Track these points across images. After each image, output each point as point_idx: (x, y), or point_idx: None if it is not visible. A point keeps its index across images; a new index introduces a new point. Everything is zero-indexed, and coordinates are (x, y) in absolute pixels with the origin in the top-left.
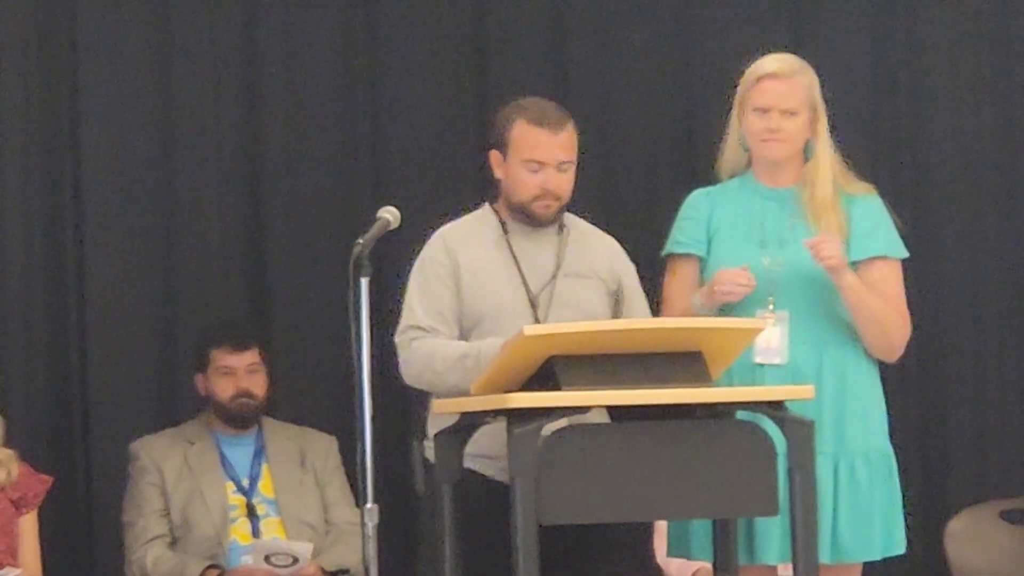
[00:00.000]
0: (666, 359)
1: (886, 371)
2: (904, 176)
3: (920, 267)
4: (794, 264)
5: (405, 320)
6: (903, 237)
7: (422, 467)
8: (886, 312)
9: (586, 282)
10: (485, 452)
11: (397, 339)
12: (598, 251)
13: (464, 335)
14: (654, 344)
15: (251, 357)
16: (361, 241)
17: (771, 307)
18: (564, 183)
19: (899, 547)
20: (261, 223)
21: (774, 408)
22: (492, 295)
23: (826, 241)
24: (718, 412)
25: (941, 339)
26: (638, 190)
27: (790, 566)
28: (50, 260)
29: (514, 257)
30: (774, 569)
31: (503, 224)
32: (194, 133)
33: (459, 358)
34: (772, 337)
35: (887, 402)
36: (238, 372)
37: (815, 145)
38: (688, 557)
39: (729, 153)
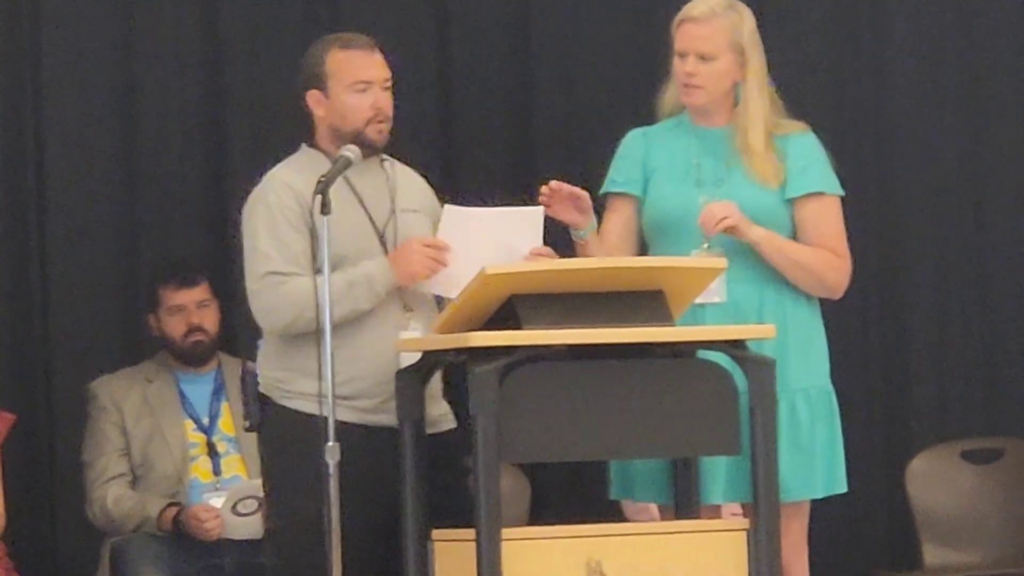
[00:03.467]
0: (628, 298)
1: (847, 312)
2: (866, 135)
3: (881, 210)
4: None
5: (261, 266)
6: (863, 183)
7: (257, 402)
8: (812, 257)
9: (419, 216)
10: (338, 393)
11: (254, 286)
12: (419, 186)
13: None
14: (616, 283)
15: (201, 293)
16: (323, 179)
17: (706, 246)
18: (390, 102)
19: (840, 486)
20: (223, 163)
21: (735, 347)
22: (348, 236)
23: (711, 212)
24: (679, 351)
25: (902, 278)
26: (600, 131)
27: (733, 506)
28: (10, 200)
29: (356, 195)
30: (719, 509)
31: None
32: (156, 73)
33: (347, 288)
34: None
35: (849, 341)
36: (188, 308)
37: (743, 89)
38: (632, 499)
39: (670, 93)
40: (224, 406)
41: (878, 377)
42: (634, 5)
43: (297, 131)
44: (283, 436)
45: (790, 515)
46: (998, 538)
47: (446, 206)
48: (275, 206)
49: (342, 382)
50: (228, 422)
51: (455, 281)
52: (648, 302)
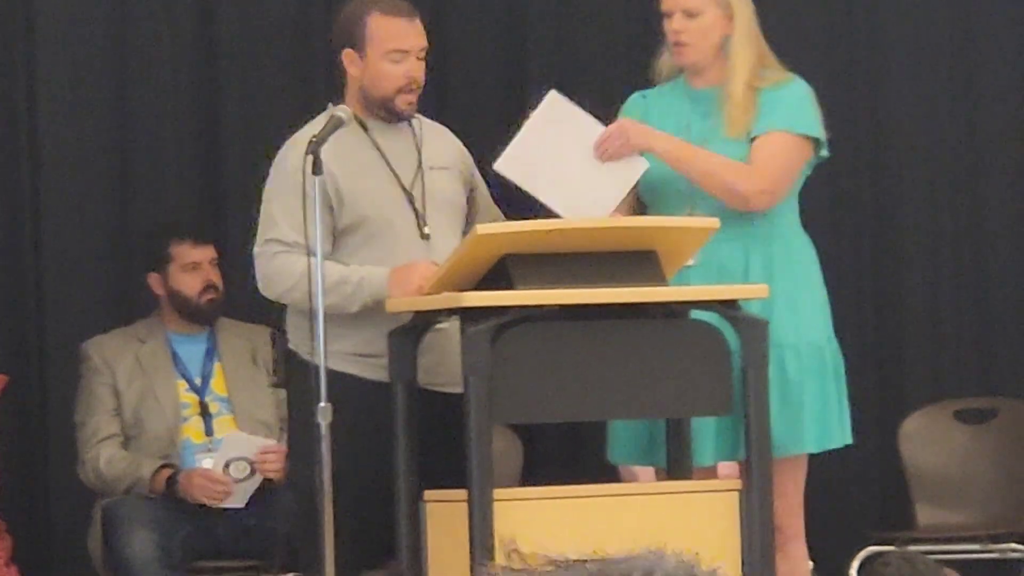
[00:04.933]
0: (620, 258)
1: (841, 272)
2: (859, 92)
3: (875, 165)
4: None
5: (266, 232)
6: (856, 145)
7: (284, 358)
8: (717, 164)
9: (447, 173)
10: (364, 351)
11: (257, 249)
12: (449, 143)
13: (346, 236)
14: (608, 243)
15: (212, 251)
16: (315, 139)
17: (689, 210)
18: (422, 71)
19: (837, 439)
20: (216, 122)
21: (728, 307)
22: (372, 195)
23: (604, 139)
24: (672, 311)
25: (896, 237)
26: (595, 97)
27: (728, 464)
28: (3, 161)
29: (381, 154)
30: (714, 469)
31: (362, 123)
32: (149, 28)
33: (337, 283)
34: None
35: (843, 301)
36: (203, 266)
37: (731, 42)
38: (633, 463)
39: (664, 57)
40: (216, 366)
41: (871, 337)
42: None
43: (290, 93)
44: (308, 391)
45: (784, 473)
46: (991, 498)
47: (552, 91)
48: (291, 172)
49: (366, 340)
50: (220, 382)
51: (534, 174)
52: (641, 262)
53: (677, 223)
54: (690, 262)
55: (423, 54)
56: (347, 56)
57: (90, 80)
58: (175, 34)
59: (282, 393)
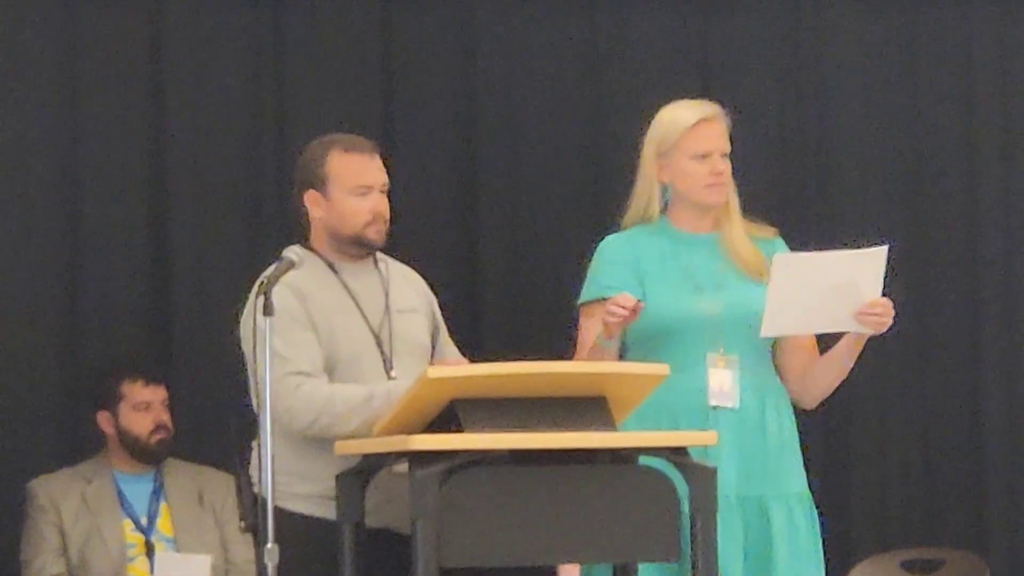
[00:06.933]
0: (570, 403)
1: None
2: (810, 205)
3: None
4: (733, 309)
5: (281, 368)
6: None
7: (251, 501)
8: None
9: (414, 316)
10: (332, 494)
11: (276, 387)
12: (415, 284)
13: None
14: (558, 388)
15: (164, 392)
16: (265, 280)
17: (722, 351)
18: (387, 206)
19: None
20: (165, 260)
21: (676, 454)
22: (345, 338)
23: (886, 308)
24: (621, 457)
25: (844, 385)
26: (547, 238)
27: None
28: None
29: (351, 295)
30: None
31: (331, 264)
32: (100, 167)
33: (364, 400)
34: (724, 381)
35: None
36: (155, 405)
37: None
38: None
39: (640, 203)
40: (163, 506)
41: (818, 486)
42: (577, 79)
43: (240, 235)
44: (279, 536)
45: None
46: None
47: (776, 255)
48: (281, 308)
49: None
50: (167, 522)
51: (794, 325)
52: (591, 408)
53: (627, 369)
54: (729, 404)
55: (385, 189)
56: (310, 198)
57: (40, 217)
58: (125, 171)
59: (236, 535)
